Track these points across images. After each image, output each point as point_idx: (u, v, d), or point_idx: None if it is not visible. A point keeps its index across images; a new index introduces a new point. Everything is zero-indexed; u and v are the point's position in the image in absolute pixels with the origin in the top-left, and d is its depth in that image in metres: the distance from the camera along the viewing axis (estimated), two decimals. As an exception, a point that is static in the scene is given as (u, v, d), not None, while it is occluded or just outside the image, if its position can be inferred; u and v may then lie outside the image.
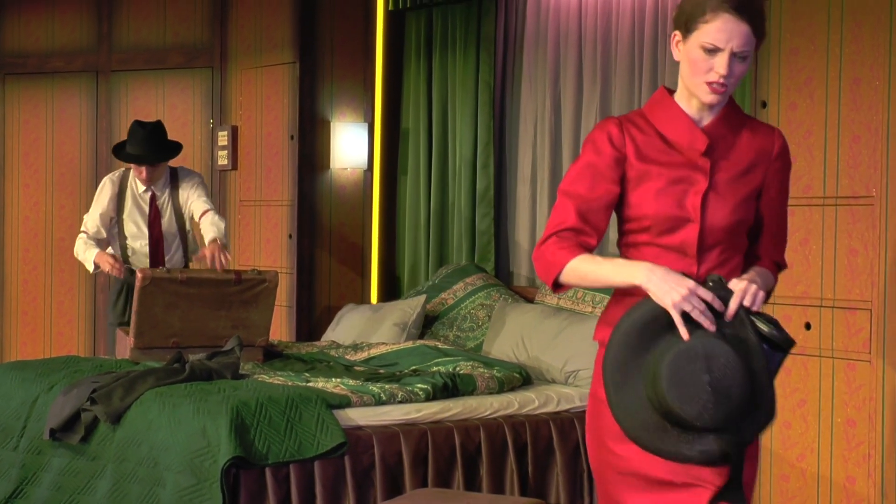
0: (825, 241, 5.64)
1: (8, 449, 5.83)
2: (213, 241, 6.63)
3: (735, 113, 3.40)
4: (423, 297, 7.55)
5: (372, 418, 5.59)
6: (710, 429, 3.00)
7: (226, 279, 6.48)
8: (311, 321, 8.17)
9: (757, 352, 3.06)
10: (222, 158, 8.37)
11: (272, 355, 6.78)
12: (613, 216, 3.34)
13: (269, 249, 8.14)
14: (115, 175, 7.03)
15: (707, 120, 3.30)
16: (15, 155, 9.09)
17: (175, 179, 7.06)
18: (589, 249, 3.27)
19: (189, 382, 5.61)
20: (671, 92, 3.40)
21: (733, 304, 3.08)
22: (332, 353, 6.86)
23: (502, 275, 7.95)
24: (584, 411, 5.95)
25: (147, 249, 6.96)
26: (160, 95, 8.62)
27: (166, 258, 7.00)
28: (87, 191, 8.72)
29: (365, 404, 5.63)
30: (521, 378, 6.35)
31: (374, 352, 6.77)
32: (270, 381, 5.84)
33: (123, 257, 6.93)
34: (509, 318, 7.03)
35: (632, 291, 3.21)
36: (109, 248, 6.94)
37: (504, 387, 6.18)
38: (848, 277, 5.59)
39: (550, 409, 6.10)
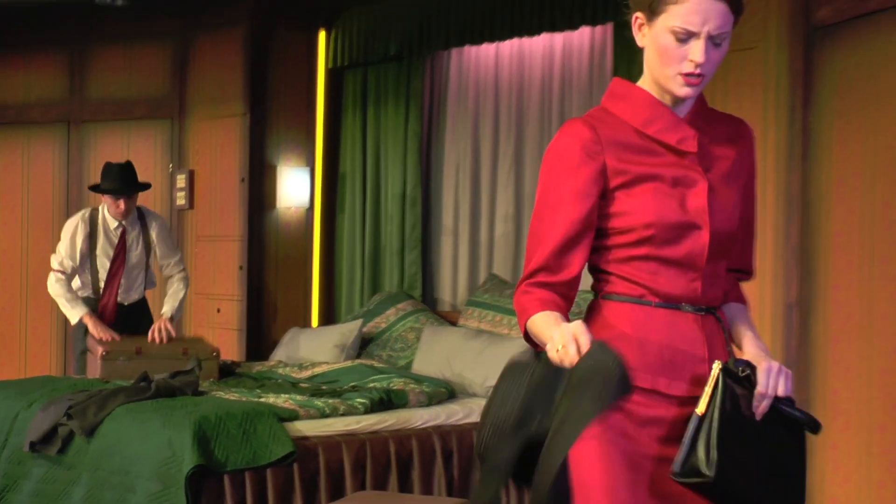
0: None
1: None
2: (161, 316, 6.68)
3: (705, 103, 2.77)
4: (359, 322, 7.49)
5: (317, 430, 5.55)
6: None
7: (173, 355, 6.40)
8: (260, 343, 8.09)
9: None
10: (181, 199, 8.30)
11: (226, 373, 6.72)
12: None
13: (223, 279, 8.08)
14: (85, 214, 6.87)
15: (682, 113, 2.66)
16: None
17: (143, 218, 6.98)
18: (565, 292, 2.64)
19: (155, 399, 5.58)
20: (631, 80, 2.77)
21: (765, 405, 2.56)
22: (280, 371, 6.82)
23: (428, 301, 7.94)
24: None
25: (108, 278, 6.78)
26: (126, 143, 8.54)
27: (133, 288, 6.87)
28: (60, 228, 8.30)
29: (311, 417, 5.61)
30: (447, 392, 6.35)
31: (317, 370, 6.71)
32: (227, 397, 5.82)
33: (94, 288, 6.79)
34: (436, 339, 7.00)
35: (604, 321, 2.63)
36: (77, 279, 6.78)
37: (432, 400, 6.18)
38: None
39: (473, 419, 6.05)
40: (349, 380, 6.42)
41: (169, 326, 6.64)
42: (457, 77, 7.97)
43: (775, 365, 2.58)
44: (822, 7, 5.26)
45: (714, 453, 2.47)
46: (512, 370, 2.54)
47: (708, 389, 2.53)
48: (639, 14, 2.60)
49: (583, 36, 7.23)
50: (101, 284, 6.82)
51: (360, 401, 5.86)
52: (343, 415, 5.74)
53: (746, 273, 2.85)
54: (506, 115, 7.68)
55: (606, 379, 2.33)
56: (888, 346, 4.59)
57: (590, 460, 2.55)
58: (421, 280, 7.99)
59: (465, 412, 6.14)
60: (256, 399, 5.77)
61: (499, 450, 2.47)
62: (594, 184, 2.59)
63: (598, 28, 7.09)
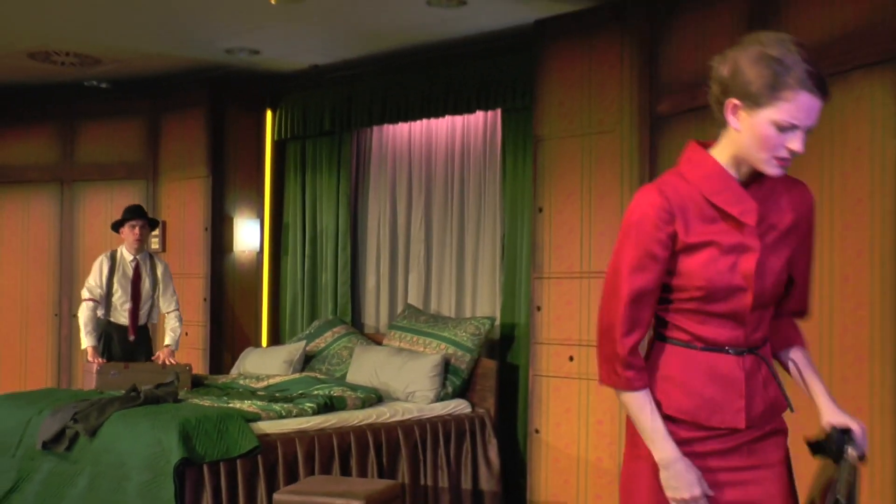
0: (582, 302, 5.70)
1: (7, 457, 5.63)
2: (166, 346, 6.71)
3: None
4: (303, 342, 7.41)
5: (276, 428, 5.51)
6: None
7: (154, 370, 6.43)
8: (220, 360, 7.99)
9: None
10: (155, 243, 8.16)
11: (196, 384, 6.64)
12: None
13: (190, 309, 7.84)
14: (107, 254, 6.84)
15: (748, 183, 2.46)
16: (0, 243, 8.82)
17: (152, 258, 6.97)
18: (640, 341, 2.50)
19: (144, 405, 5.50)
20: (704, 146, 2.52)
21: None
22: (241, 382, 6.73)
23: (357, 325, 7.90)
24: (419, 419, 5.97)
25: (127, 307, 6.75)
26: (109, 199, 8.38)
27: (141, 312, 6.82)
28: (56, 269, 8.56)
29: (271, 418, 5.58)
30: (376, 397, 6.34)
31: (271, 381, 6.64)
32: (201, 403, 5.74)
33: (107, 312, 6.72)
34: (365, 356, 6.95)
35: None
36: (100, 310, 6.72)
37: (365, 404, 6.16)
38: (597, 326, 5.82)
39: (398, 418, 6.10)
40: (297, 388, 6.37)
41: (171, 355, 6.68)
42: (378, 148, 7.98)
43: (862, 426, 2.45)
44: (662, 102, 5.40)
45: None
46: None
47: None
48: (737, 101, 2.37)
49: (478, 118, 7.32)
50: (114, 310, 6.74)
51: (308, 405, 5.83)
52: (296, 416, 5.69)
53: (802, 313, 2.66)
54: (417, 179, 7.70)
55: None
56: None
57: (640, 477, 2.52)
58: (350, 308, 7.94)
59: (391, 413, 6.12)
60: (226, 404, 5.69)
61: None
62: (665, 249, 2.44)
63: (490, 112, 7.19)
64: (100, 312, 6.75)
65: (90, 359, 6.50)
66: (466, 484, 6.27)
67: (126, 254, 6.84)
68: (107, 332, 6.71)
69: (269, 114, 8.47)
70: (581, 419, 5.69)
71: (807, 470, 2.59)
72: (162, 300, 6.93)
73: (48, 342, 8.54)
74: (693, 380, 2.47)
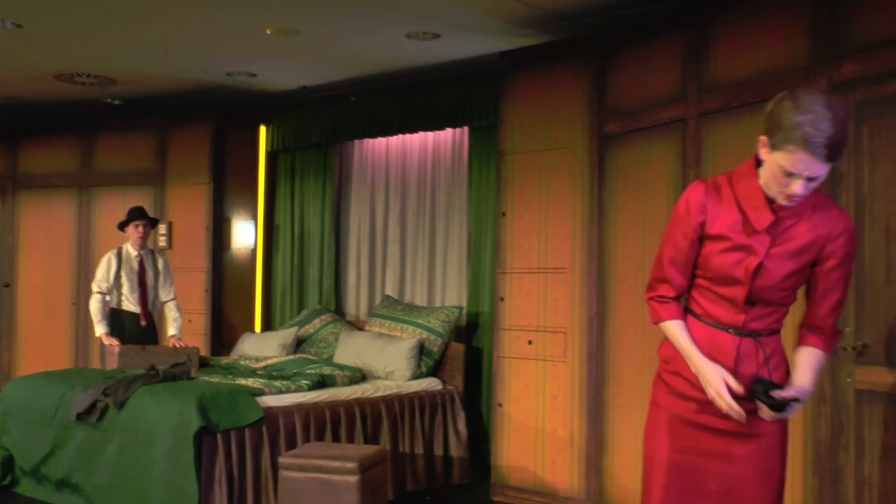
0: (539, 293, 5.78)
1: (44, 426, 5.69)
2: (173, 336, 6.75)
3: (811, 195, 2.60)
4: (295, 328, 7.44)
5: (277, 402, 5.56)
6: None
7: (167, 352, 6.46)
8: (220, 343, 8.03)
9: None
10: (162, 241, 8.22)
11: (202, 365, 6.68)
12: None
13: (194, 299, 7.97)
14: (114, 251, 6.84)
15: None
16: (27, 240, 8.82)
17: (153, 253, 6.98)
18: (679, 297, 2.78)
19: (163, 382, 5.55)
20: (759, 163, 2.63)
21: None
22: (242, 363, 6.75)
23: (340, 313, 7.97)
24: (398, 395, 6.05)
25: (135, 296, 6.77)
26: (122, 203, 8.26)
27: (149, 300, 6.85)
28: (75, 263, 8.53)
29: (272, 393, 5.63)
30: (361, 376, 6.38)
31: (268, 362, 6.67)
32: (211, 380, 5.76)
33: (118, 302, 6.75)
34: (350, 340, 6.97)
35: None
36: (109, 298, 6.73)
37: (352, 381, 6.21)
38: (552, 314, 5.73)
39: (380, 394, 6.16)
40: (292, 368, 6.41)
41: (179, 339, 6.75)
42: (359, 159, 8.05)
43: (804, 396, 2.63)
44: (609, 123, 5.46)
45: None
46: None
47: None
48: (765, 139, 2.54)
49: (448, 134, 7.44)
50: (123, 300, 6.76)
51: (304, 382, 5.88)
52: (294, 392, 5.75)
53: (820, 329, 2.74)
54: (393, 187, 7.78)
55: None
56: (652, 343, 4.72)
57: (658, 420, 2.80)
58: (334, 299, 8.00)
59: (375, 389, 6.18)
60: (233, 381, 5.72)
61: None
62: (695, 232, 2.67)
63: (458, 130, 7.32)
64: (109, 300, 6.77)
65: (105, 342, 6.54)
66: (438, 451, 6.41)
67: (131, 250, 6.87)
68: (119, 320, 6.75)
69: (262, 129, 8.52)
70: (539, 394, 5.80)
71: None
72: (162, 290, 6.95)
73: (67, 328, 8.57)
74: (700, 346, 2.71)
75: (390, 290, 7.74)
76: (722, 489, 2.70)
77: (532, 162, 5.91)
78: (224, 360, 6.98)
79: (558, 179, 5.78)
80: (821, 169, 2.46)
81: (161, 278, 6.94)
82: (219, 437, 5.15)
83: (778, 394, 2.60)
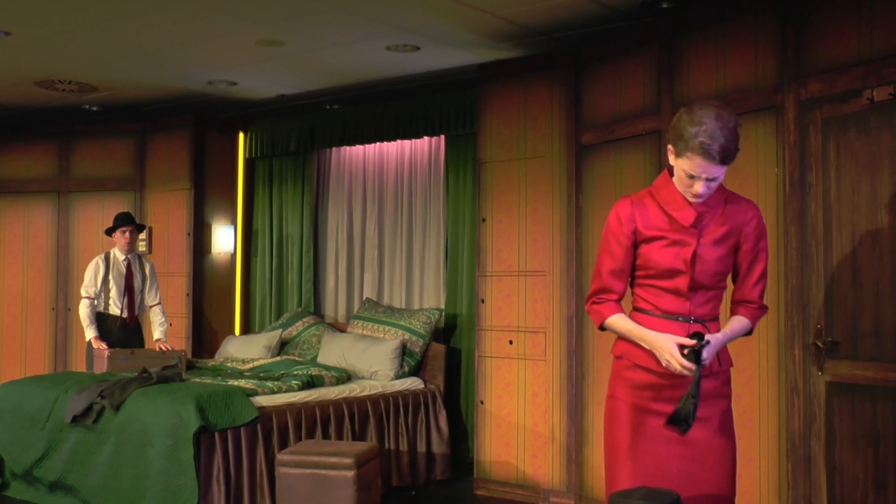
0: (520, 295, 5.95)
1: (37, 430, 5.74)
2: (159, 339, 6.82)
3: (720, 192, 2.97)
4: (279, 331, 7.54)
5: (270, 402, 5.67)
6: None
7: (155, 355, 6.51)
8: (201, 346, 8.08)
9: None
10: (142, 246, 8.22)
11: (188, 367, 6.72)
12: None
13: (175, 303, 8.01)
14: (101, 256, 6.91)
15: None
16: (4, 245, 8.69)
17: (140, 259, 7.04)
18: (618, 300, 3.03)
19: (157, 384, 5.64)
20: (672, 172, 2.97)
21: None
22: (229, 364, 6.81)
23: (318, 316, 8.03)
24: (382, 394, 6.19)
25: (123, 301, 6.83)
26: (101, 208, 8.41)
27: (136, 304, 6.90)
28: (53, 269, 8.51)
29: (265, 393, 5.75)
30: (347, 376, 6.52)
31: (255, 363, 6.76)
32: (204, 381, 5.84)
33: (104, 306, 6.81)
34: (333, 341, 7.09)
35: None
36: (97, 302, 6.79)
37: (339, 381, 6.34)
38: (532, 315, 5.91)
39: (366, 393, 6.29)
40: (279, 369, 6.50)
41: (165, 343, 6.81)
42: (336, 166, 8.14)
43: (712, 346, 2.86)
44: (585, 134, 5.67)
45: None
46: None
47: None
48: (671, 148, 2.89)
49: (424, 142, 7.57)
50: (110, 304, 6.80)
51: (294, 382, 6.00)
52: (285, 392, 5.87)
53: (751, 303, 3.04)
54: (371, 193, 7.89)
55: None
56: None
57: (617, 411, 3.01)
58: (314, 302, 8.11)
59: (361, 389, 6.32)
60: (225, 383, 5.80)
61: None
62: (628, 239, 2.97)
63: (435, 138, 7.47)
64: (97, 305, 6.82)
65: (95, 346, 6.60)
66: (421, 447, 6.57)
67: (118, 255, 6.93)
68: (105, 323, 6.80)
69: (241, 136, 8.58)
70: (519, 392, 5.97)
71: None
72: (148, 295, 7.02)
73: (46, 333, 8.55)
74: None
75: (368, 295, 7.87)
76: (683, 471, 2.91)
77: (511, 170, 6.10)
78: (210, 363, 7.05)
79: (536, 187, 5.97)
80: (717, 171, 2.82)
81: (148, 283, 7.01)
82: (216, 436, 5.26)
83: (693, 343, 2.86)
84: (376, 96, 7.56)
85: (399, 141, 7.71)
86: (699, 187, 2.84)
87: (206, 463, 5.19)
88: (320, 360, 7.06)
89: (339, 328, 7.70)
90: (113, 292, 6.87)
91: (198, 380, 6.02)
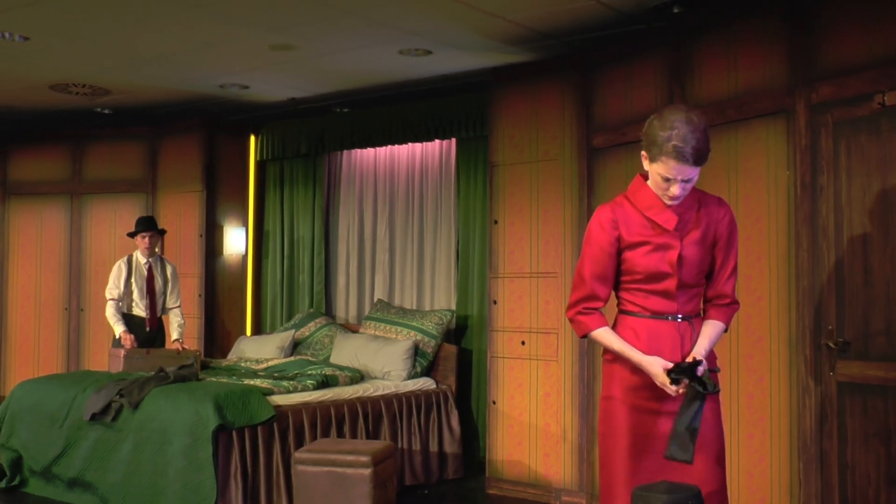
0: (532, 297, 6.00)
1: (56, 428, 5.81)
2: (176, 340, 6.90)
3: (693, 193, 3.03)
4: (292, 331, 7.59)
5: (286, 401, 5.73)
6: None
7: (170, 355, 6.59)
8: (213, 346, 8.14)
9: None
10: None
11: (202, 367, 6.79)
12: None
13: (188, 303, 8.00)
14: (124, 259, 7.01)
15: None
16: (17, 247, 8.82)
17: (162, 261, 7.13)
18: (602, 308, 3.07)
19: (174, 383, 5.70)
20: (645, 177, 3.03)
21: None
22: (243, 364, 6.88)
23: (329, 317, 8.05)
24: (396, 394, 6.26)
25: (145, 303, 6.93)
26: (113, 210, 8.50)
27: (157, 306, 6.99)
28: (66, 270, 8.57)
29: (281, 393, 5.82)
30: (360, 376, 6.57)
31: (269, 363, 6.82)
32: (220, 381, 5.89)
33: (128, 307, 6.91)
34: (346, 342, 7.14)
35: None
36: (121, 304, 6.89)
37: (353, 381, 6.41)
38: (544, 316, 5.97)
39: (379, 393, 6.35)
40: (293, 369, 6.55)
41: (182, 344, 6.90)
42: (347, 169, 8.20)
43: (704, 365, 2.91)
44: (596, 137, 5.73)
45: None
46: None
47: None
48: (645, 153, 2.96)
49: (435, 145, 7.62)
50: (133, 305, 6.90)
51: (310, 382, 6.06)
52: (300, 391, 5.94)
53: (724, 297, 3.10)
54: (381, 195, 7.94)
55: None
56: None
57: (616, 411, 3.05)
58: (325, 303, 8.15)
59: (374, 388, 6.37)
60: (241, 382, 5.85)
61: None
62: (612, 246, 3.00)
63: (446, 141, 7.52)
64: (121, 306, 6.92)
65: (123, 342, 6.70)
66: (433, 447, 6.63)
67: (140, 258, 7.04)
68: (131, 324, 6.90)
69: (252, 139, 8.64)
70: (532, 392, 6.03)
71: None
72: (169, 297, 7.11)
73: (58, 333, 8.62)
74: (641, 339, 3.02)
75: (379, 295, 7.92)
76: (677, 468, 2.98)
77: (522, 172, 6.16)
78: (224, 363, 7.12)
79: (548, 189, 6.02)
80: (691, 172, 2.89)
81: (169, 285, 7.10)
82: (234, 434, 5.32)
83: (684, 365, 2.94)
84: (387, 99, 7.61)
85: (410, 144, 7.74)
86: (675, 189, 2.90)
87: (224, 461, 5.25)
88: (333, 360, 7.13)
89: (350, 329, 7.77)
90: (135, 294, 6.97)
91: (213, 379, 6.08)
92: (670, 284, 2.98)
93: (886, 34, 4.07)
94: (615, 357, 3.08)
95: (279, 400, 5.74)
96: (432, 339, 7.01)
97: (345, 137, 7.95)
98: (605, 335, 3.05)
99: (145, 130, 8.56)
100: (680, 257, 2.98)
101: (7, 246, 8.92)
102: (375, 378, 6.78)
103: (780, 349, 4.50)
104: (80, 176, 8.72)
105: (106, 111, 8.38)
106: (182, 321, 7.08)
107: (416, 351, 6.93)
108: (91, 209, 8.67)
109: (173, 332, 7.03)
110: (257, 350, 7.46)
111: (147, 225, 7.03)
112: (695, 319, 3.07)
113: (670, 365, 2.91)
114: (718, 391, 2.99)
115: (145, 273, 7.01)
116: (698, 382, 2.89)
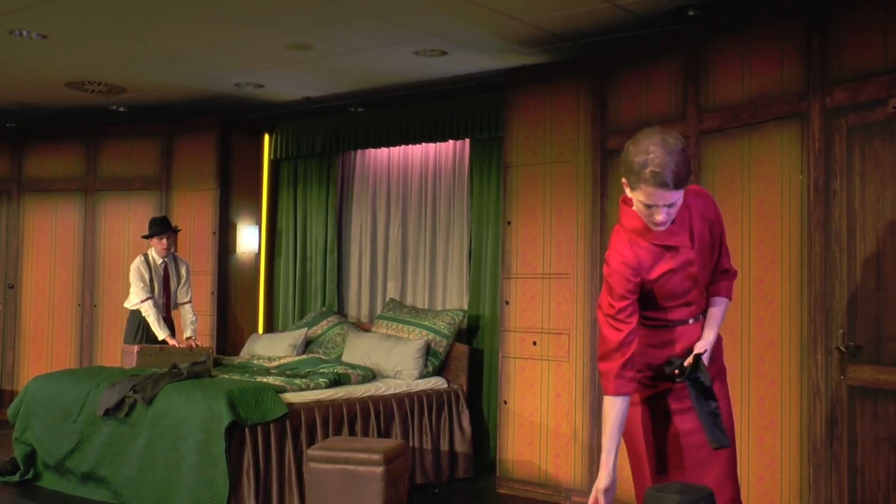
0: (544, 298, 6.05)
1: (69, 422, 5.87)
2: (189, 337, 6.97)
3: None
4: (304, 329, 7.63)
5: (299, 399, 5.79)
6: None
7: (183, 351, 6.68)
8: (225, 343, 8.19)
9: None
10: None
11: (215, 364, 6.87)
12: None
13: (201, 300, 8.07)
14: (141, 259, 7.10)
15: None
16: (31, 243, 8.87)
17: (176, 260, 7.23)
18: (632, 357, 2.94)
19: (188, 380, 5.76)
20: (628, 202, 2.96)
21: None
22: (255, 362, 6.94)
23: (341, 316, 8.06)
24: (407, 393, 6.28)
25: (161, 301, 7.04)
26: (127, 208, 8.55)
27: (171, 304, 7.10)
28: (80, 266, 8.64)
29: (294, 390, 5.86)
30: (372, 375, 6.63)
31: (282, 361, 6.86)
32: (233, 378, 5.94)
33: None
34: (358, 341, 7.19)
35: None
36: (134, 296, 6.96)
37: (365, 380, 6.46)
38: (556, 317, 6.01)
39: (391, 392, 6.40)
40: (305, 367, 6.59)
41: (195, 341, 6.99)
42: (361, 168, 8.24)
43: (698, 353, 2.93)
44: (610, 139, 5.77)
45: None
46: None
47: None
48: (625, 180, 2.88)
49: (448, 145, 7.66)
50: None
51: (322, 380, 6.11)
52: (313, 389, 5.99)
53: (723, 272, 3.10)
54: (395, 195, 7.98)
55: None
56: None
57: (634, 418, 3.05)
58: (337, 302, 8.21)
59: (386, 387, 6.44)
60: (254, 379, 5.90)
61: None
62: (638, 287, 2.94)
63: (460, 142, 7.57)
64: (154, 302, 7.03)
65: (176, 344, 6.82)
66: (444, 446, 6.68)
67: (156, 257, 7.14)
68: (143, 320, 7.00)
69: (266, 138, 8.69)
70: (543, 393, 6.07)
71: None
72: (180, 292, 7.21)
73: (72, 329, 8.68)
74: (677, 342, 3.03)
75: (392, 294, 7.97)
76: (695, 458, 3.02)
77: (536, 174, 6.20)
78: (236, 360, 7.20)
79: (562, 191, 6.07)
80: (673, 196, 2.80)
81: (182, 282, 7.20)
82: (246, 431, 5.38)
83: (686, 363, 2.97)
84: (402, 99, 7.66)
85: (423, 144, 7.78)
86: (659, 215, 2.82)
87: (237, 457, 5.31)
88: (345, 358, 7.18)
89: (362, 328, 7.82)
90: (155, 293, 7.06)
91: (226, 376, 6.15)
92: (693, 295, 3.00)
93: (902, 40, 4.11)
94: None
95: (292, 398, 5.79)
96: (444, 339, 7.06)
97: (359, 137, 8.00)
98: (612, 405, 2.93)
99: (160, 128, 8.62)
100: (699, 268, 3.00)
101: (22, 242, 8.98)
102: (387, 377, 6.83)
103: (791, 353, 4.53)
104: (95, 173, 8.78)
105: (121, 109, 8.46)
106: (194, 318, 7.16)
107: (428, 350, 6.98)
108: (105, 206, 8.73)
109: (186, 330, 7.11)
110: (269, 348, 7.51)
111: (162, 227, 7.11)
112: (705, 311, 3.11)
113: (611, 495, 2.89)
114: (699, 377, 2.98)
115: (162, 273, 7.11)
116: (697, 377, 2.93)
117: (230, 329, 8.34)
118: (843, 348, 4.20)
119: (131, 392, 5.66)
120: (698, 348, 2.98)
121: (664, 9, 5.30)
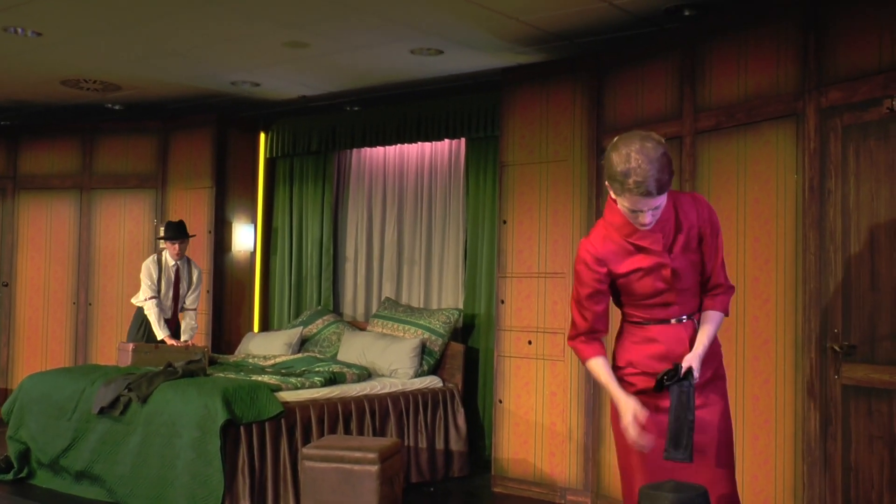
0: (539, 297, 6.07)
1: (64, 420, 5.86)
2: (185, 341, 7.01)
3: (667, 196, 2.97)
4: (300, 328, 7.64)
5: (294, 397, 5.79)
6: None
7: (178, 350, 6.69)
8: (221, 341, 8.20)
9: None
10: (162, 242, 8.14)
11: (210, 362, 6.88)
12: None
13: None
14: (154, 257, 7.15)
15: None
16: (26, 240, 8.87)
17: (189, 264, 7.26)
18: (601, 337, 3.14)
19: (183, 378, 5.75)
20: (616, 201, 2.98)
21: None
22: (250, 360, 6.93)
23: (337, 314, 8.08)
24: (402, 392, 6.32)
25: (169, 303, 7.08)
26: (122, 205, 8.55)
27: (179, 305, 7.14)
28: (75, 263, 8.63)
29: (289, 389, 5.87)
30: (367, 373, 6.64)
31: (277, 360, 6.86)
32: (229, 376, 5.94)
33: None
34: (353, 339, 7.20)
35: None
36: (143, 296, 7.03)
37: (360, 379, 6.46)
38: (551, 316, 6.02)
39: (386, 391, 6.42)
40: (300, 366, 6.57)
41: (191, 343, 7.01)
42: (356, 167, 8.26)
43: (689, 363, 2.98)
44: (607, 138, 5.72)
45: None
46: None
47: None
48: (608, 184, 2.94)
49: (445, 144, 7.68)
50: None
51: (317, 379, 6.11)
52: (308, 388, 5.98)
53: (720, 286, 3.13)
54: (390, 194, 8.01)
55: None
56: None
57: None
58: (332, 301, 8.22)
59: (381, 386, 6.44)
60: (249, 378, 5.90)
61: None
62: (602, 282, 3.07)
63: (455, 141, 7.58)
64: (160, 303, 7.08)
65: (168, 343, 6.87)
66: (440, 444, 6.70)
67: (169, 259, 7.18)
68: (146, 319, 7.04)
69: (262, 136, 8.70)
70: (538, 391, 6.10)
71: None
72: (189, 297, 7.24)
73: (66, 326, 8.69)
74: (660, 340, 3.08)
75: (387, 293, 7.99)
76: (690, 464, 3.03)
77: (532, 173, 6.22)
78: (231, 359, 7.19)
79: (557, 190, 6.09)
80: (657, 201, 2.86)
81: (192, 287, 7.24)
82: (241, 429, 5.39)
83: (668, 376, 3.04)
84: (398, 98, 7.67)
85: (420, 143, 7.80)
86: (644, 218, 2.90)
87: (232, 455, 5.32)
88: (340, 357, 7.18)
89: (358, 326, 7.83)
90: (161, 294, 7.09)
91: (221, 375, 6.15)
92: (668, 297, 3.04)
93: (896, 40, 4.13)
94: (627, 364, 3.16)
95: (287, 396, 5.80)
96: (439, 338, 7.08)
97: (355, 135, 8.01)
98: (596, 365, 3.12)
99: (156, 126, 8.63)
100: (673, 271, 3.01)
101: (17, 239, 8.98)
102: (382, 376, 6.84)
103: (785, 352, 4.56)
104: (91, 170, 8.78)
105: (116, 107, 8.47)
106: (195, 324, 7.21)
107: (424, 349, 7.00)
108: (101, 204, 8.73)
109: (183, 334, 7.15)
110: (265, 346, 7.52)
111: (177, 232, 7.13)
112: (696, 315, 3.14)
113: (642, 413, 2.98)
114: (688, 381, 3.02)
115: (173, 276, 7.15)
116: (682, 387, 2.97)
117: (225, 327, 8.35)
118: (837, 347, 4.23)
119: (126, 390, 5.65)
120: (687, 362, 3.02)
121: (660, 8, 5.33)
